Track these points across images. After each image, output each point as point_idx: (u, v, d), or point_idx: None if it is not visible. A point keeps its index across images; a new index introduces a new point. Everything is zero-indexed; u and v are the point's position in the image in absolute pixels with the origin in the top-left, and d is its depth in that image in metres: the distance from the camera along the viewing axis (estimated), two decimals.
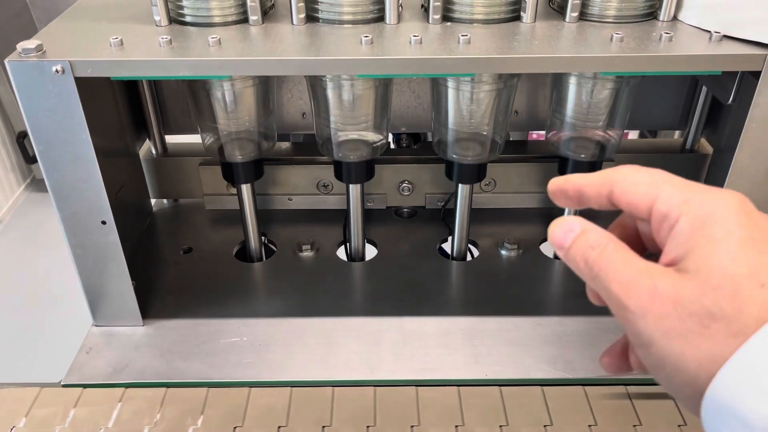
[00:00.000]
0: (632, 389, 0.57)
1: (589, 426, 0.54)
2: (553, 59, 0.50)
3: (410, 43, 0.51)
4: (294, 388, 0.58)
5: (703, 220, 0.25)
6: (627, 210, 0.29)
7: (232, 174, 0.68)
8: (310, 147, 0.84)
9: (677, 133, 0.87)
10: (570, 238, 0.29)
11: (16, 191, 0.90)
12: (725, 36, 0.51)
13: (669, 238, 0.27)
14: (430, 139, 0.91)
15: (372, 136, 0.66)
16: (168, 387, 0.58)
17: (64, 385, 0.58)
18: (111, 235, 0.58)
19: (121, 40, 0.51)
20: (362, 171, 0.68)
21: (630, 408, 0.56)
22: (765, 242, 0.25)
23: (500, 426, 0.54)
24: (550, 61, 0.50)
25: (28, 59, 0.49)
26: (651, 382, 0.57)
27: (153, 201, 0.82)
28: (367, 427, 0.54)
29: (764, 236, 0.25)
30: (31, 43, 0.50)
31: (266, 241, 0.76)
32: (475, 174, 0.67)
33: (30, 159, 0.90)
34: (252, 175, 0.68)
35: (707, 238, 0.25)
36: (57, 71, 0.49)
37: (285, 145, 0.82)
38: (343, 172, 0.68)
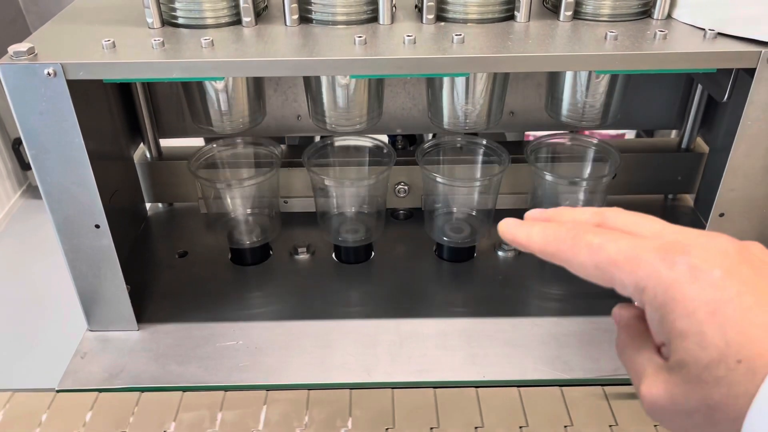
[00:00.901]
0: (630, 389, 0.57)
1: (610, 426, 0.54)
2: (548, 58, 0.50)
3: (404, 43, 0.51)
4: (292, 391, 0.57)
5: (663, 311, 0.26)
6: None
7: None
8: (305, 149, 0.84)
9: (674, 132, 0.87)
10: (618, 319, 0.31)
11: (12, 198, 0.90)
12: (719, 33, 0.51)
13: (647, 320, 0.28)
14: (426, 140, 0.91)
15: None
16: (163, 391, 0.57)
17: (59, 391, 0.58)
18: (105, 239, 0.57)
19: (114, 42, 0.51)
20: (361, 253, 0.73)
21: (609, 407, 0.56)
22: (729, 312, 0.24)
23: (520, 427, 0.54)
24: (544, 60, 0.50)
25: (19, 62, 0.49)
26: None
27: (148, 205, 0.82)
28: (386, 429, 0.54)
29: (728, 302, 0.24)
30: (22, 46, 0.49)
31: (262, 244, 0.76)
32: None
33: (26, 166, 0.89)
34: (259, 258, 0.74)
35: (674, 332, 0.25)
36: (49, 74, 0.49)
37: (281, 147, 0.81)
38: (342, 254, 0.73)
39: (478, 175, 0.73)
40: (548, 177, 0.67)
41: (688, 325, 0.25)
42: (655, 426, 0.54)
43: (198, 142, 0.93)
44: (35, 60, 0.49)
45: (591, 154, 0.72)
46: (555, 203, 0.69)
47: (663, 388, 0.26)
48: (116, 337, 0.63)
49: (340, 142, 0.72)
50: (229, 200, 0.72)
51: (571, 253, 0.29)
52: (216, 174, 0.73)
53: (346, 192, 0.72)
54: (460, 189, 0.70)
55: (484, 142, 0.71)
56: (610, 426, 0.54)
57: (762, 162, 0.54)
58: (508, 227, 0.33)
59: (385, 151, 0.70)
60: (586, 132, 1.56)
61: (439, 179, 0.67)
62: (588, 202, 0.69)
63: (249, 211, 0.74)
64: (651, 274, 0.26)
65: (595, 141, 0.71)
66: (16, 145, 0.88)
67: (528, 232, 0.31)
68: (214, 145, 0.72)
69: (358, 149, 0.73)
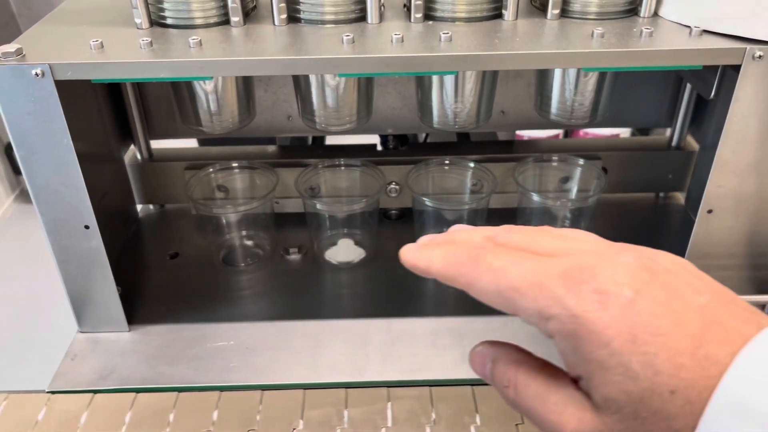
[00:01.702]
0: None
1: None
2: (535, 55, 0.50)
3: (392, 41, 0.51)
4: (282, 391, 0.57)
5: (574, 341, 0.24)
6: None
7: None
8: (296, 150, 0.84)
9: (669, 131, 0.87)
10: (487, 374, 0.30)
11: (5, 203, 0.90)
12: (705, 31, 0.52)
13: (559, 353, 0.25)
14: (421, 139, 0.91)
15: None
16: (154, 392, 0.57)
17: (49, 392, 0.57)
18: (94, 240, 0.57)
19: (102, 42, 0.51)
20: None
21: None
22: (649, 339, 0.22)
23: (516, 425, 0.54)
24: (531, 57, 0.50)
25: (7, 63, 0.49)
26: None
27: (139, 206, 0.82)
28: (382, 430, 0.54)
29: (644, 327, 0.22)
30: (10, 47, 0.49)
31: (253, 245, 0.76)
32: None
33: (18, 170, 0.89)
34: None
35: (592, 363, 0.23)
36: (37, 74, 0.49)
37: (271, 148, 0.81)
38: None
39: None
40: (535, 197, 0.68)
41: (608, 355, 0.23)
42: None
43: (190, 143, 0.93)
44: (23, 61, 0.49)
45: (578, 173, 0.73)
46: (543, 219, 0.70)
47: (589, 425, 0.24)
48: (107, 338, 0.63)
49: (329, 163, 0.74)
50: (224, 221, 0.73)
51: (472, 276, 0.27)
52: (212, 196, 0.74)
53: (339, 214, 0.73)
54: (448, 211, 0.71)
55: (471, 164, 0.72)
56: None
57: (749, 158, 0.55)
58: (407, 254, 0.30)
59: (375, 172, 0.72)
60: (581, 132, 1.57)
61: (428, 202, 0.68)
62: (576, 218, 0.70)
63: (244, 233, 0.75)
64: (556, 302, 0.24)
65: (581, 161, 0.72)
66: (9, 150, 0.88)
67: (429, 256, 0.29)
68: (210, 170, 0.73)
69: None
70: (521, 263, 0.26)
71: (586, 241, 0.27)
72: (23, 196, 0.92)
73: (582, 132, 1.58)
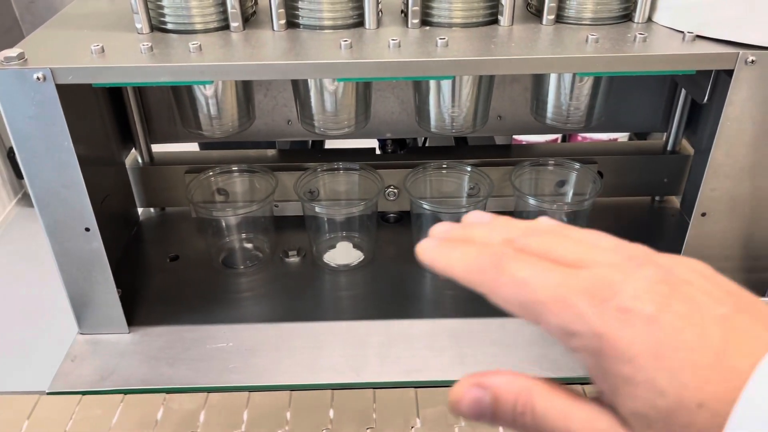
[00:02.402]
0: None
1: None
2: (530, 60, 0.51)
3: (389, 46, 0.52)
4: (283, 392, 0.58)
5: (599, 357, 0.24)
6: None
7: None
8: (296, 154, 0.84)
9: (665, 135, 0.88)
10: (486, 410, 0.27)
11: (7, 206, 0.90)
12: (698, 36, 0.52)
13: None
14: (420, 143, 0.92)
15: None
16: (154, 393, 0.58)
17: (50, 393, 0.58)
18: (95, 242, 0.58)
19: (102, 47, 0.52)
20: None
21: None
22: (673, 354, 0.22)
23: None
24: (527, 62, 0.51)
25: (9, 67, 0.49)
26: None
27: (140, 210, 0.83)
28: (367, 429, 0.54)
29: (668, 343, 0.23)
30: (12, 52, 0.50)
31: (252, 248, 0.76)
32: None
33: (21, 174, 0.90)
34: None
35: (618, 378, 0.23)
36: (38, 78, 0.49)
37: (271, 152, 0.82)
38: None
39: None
40: (531, 201, 0.69)
41: (633, 371, 0.23)
42: None
43: (190, 147, 0.94)
44: (25, 65, 0.50)
45: (573, 177, 0.73)
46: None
47: None
48: (107, 340, 0.64)
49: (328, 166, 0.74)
50: (224, 224, 0.74)
51: (495, 285, 0.26)
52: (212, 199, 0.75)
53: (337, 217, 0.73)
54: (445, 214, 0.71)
55: (469, 168, 0.72)
56: None
57: (742, 161, 0.55)
58: (426, 252, 0.29)
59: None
60: (579, 137, 1.58)
61: (425, 206, 0.68)
62: (572, 222, 0.70)
63: (244, 236, 0.76)
64: (580, 319, 0.24)
65: (577, 166, 0.72)
66: (12, 153, 0.89)
67: (448, 258, 0.28)
68: (211, 173, 0.74)
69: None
70: (546, 274, 0.25)
71: (605, 249, 0.27)
72: (25, 199, 0.93)
73: (580, 137, 1.59)
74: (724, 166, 0.55)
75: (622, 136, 1.33)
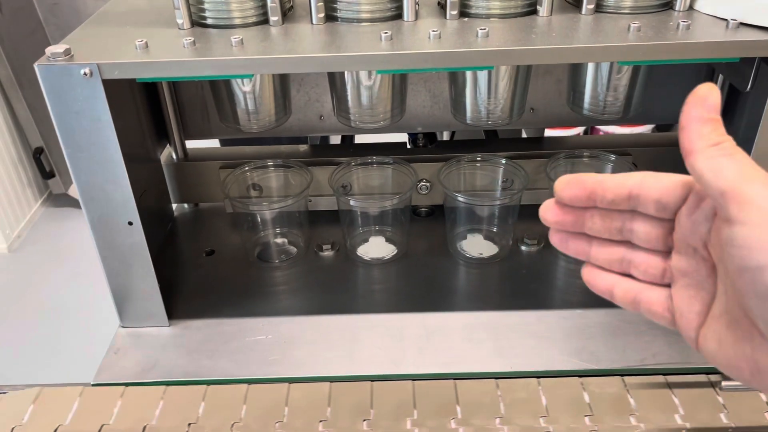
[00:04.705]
0: (651, 379, 0.57)
1: (630, 415, 0.54)
2: (572, 50, 0.50)
3: (429, 38, 0.52)
4: (323, 383, 0.58)
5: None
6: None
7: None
8: (328, 149, 0.85)
9: None
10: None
11: (33, 207, 0.92)
12: (742, 23, 0.52)
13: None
14: (447, 137, 0.92)
15: None
16: (196, 385, 0.58)
17: (95, 385, 0.59)
18: (137, 236, 0.59)
19: (146, 43, 0.52)
20: None
21: (629, 396, 0.56)
22: None
23: (540, 417, 0.54)
24: (569, 51, 0.51)
25: (57, 63, 0.50)
26: (689, 371, 0.58)
27: (174, 205, 0.83)
28: (408, 419, 0.54)
29: None
30: (59, 48, 0.51)
31: (287, 242, 0.77)
32: None
33: (47, 174, 0.91)
34: None
35: None
36: (85, 74, 0.50)
37: (303, 147, 0.83)
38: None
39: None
40: None
41: None
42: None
43: (214, 144, 0.94)
44: (71, 61, 0.50)
45: (609, 169, 0.73)
46: None
47: None
48: (148, 333, 0.64)
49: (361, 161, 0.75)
50: (259, 219, 0.74)
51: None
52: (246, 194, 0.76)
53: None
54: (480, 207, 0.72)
55: (503, 161, 0.72)
56: (630, 415, 0.54)
57: None
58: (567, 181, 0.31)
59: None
60: (608, 129, 1.56)
61: (460, 198, 0.69)
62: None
63: (278, 230, 0.77)
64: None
65: (612, 157, 0.72)
66: (37, 155, 0.90)
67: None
68: (246, 168, 0.74)
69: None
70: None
71: None
72: (51, 200, 0.94)
73: (608, 131, 1.58)
74: None
75: (644, 130, 1.32)
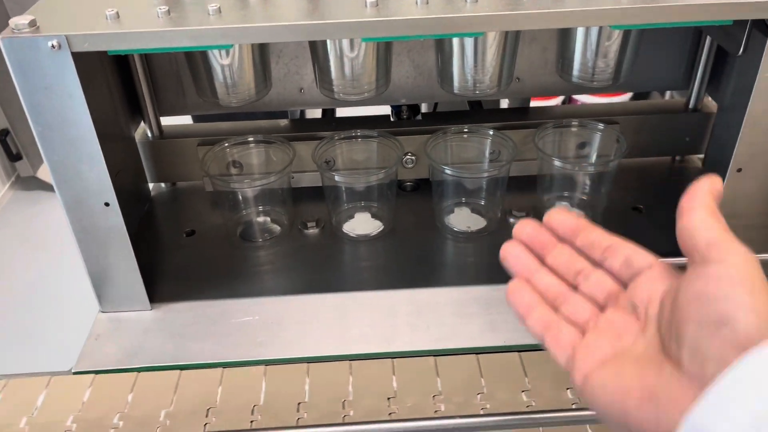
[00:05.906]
0: None
1: None
2: (563, 14, 0.49)
3: (416, 4, 0.50)
4: (311, 364, 0.57)
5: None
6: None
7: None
8: (309, 123, 0.82)
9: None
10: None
11: (1, 190, 0.88)
12: None
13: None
14: (429, 109, 0.90)
15: None
16: (182, 369, 0.57)
17: (75, 373, 0.57)
18: (115, 217, 0.56)
19: (117, 12, 0.49)
20: None
21: None
22: None
23: (522, 391, 0.54)
24: (559, 15, 0.49)
25: (21, 35, 0.47)
26: None
27: (151, 185, 0.81)
28: (388, 398, 0.53)
29: None
30: (23, 19, 0.48)
31: (270, 220, 0.75)
32: None
33: (14, 157, 0.87)
34: None
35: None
36: (53, 46, 0.47)
37: (283, 122, 0.80)
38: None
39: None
40: (556, 163, 0.68)
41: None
42: None
43: (187, 120, 0.91)
44: (38, 32, 0.47)
45: (597, 138, 0.72)
46: (564, 185, 0.71)
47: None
48: (129, 317, 0.62)
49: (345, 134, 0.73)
50: (240, 197, 0.72)
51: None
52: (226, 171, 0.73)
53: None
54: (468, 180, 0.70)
55: (491, 132, 0.71)
56: None
57: None
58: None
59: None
60: (578, 101, 1.55)
61: (448, 171, 0.67)
62: (596, 183, 0.70)
63: (261, 208, 0.74)
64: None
65: (601, 126, 0.71)
66: (2, 137, 0.87)
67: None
68: (226, 144, 0.71)
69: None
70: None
71: None
72: (19, 183, 0.91)
73: (579, 101, 1.57)
74: (762, 121, 0.54)
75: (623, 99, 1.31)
